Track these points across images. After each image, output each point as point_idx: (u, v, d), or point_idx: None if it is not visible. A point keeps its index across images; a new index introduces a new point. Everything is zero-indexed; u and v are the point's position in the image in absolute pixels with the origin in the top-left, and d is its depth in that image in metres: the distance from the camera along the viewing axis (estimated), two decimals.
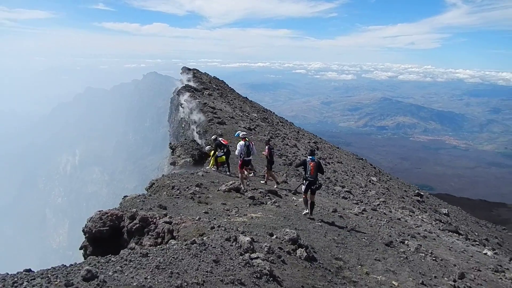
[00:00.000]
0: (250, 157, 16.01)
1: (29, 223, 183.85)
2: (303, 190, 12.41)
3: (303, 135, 47.40)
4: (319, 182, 12.52)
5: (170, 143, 28.12)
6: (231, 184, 14.17)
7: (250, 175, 18.06)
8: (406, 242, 12.28)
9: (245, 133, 16.74)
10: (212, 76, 66.08)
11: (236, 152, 15.71)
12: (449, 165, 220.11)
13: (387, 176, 43.46)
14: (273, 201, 13.34)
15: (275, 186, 16.42)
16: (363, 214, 15.85)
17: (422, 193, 38.09)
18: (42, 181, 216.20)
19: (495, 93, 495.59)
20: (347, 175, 30.85)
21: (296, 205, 13.97)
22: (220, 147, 18.26)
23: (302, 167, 12.53)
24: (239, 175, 15.68)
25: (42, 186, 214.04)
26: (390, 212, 19.18)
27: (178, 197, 12.61)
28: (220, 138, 18.82)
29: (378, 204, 20.54)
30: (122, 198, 12.46)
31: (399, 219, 17.51)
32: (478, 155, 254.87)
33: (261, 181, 17.43)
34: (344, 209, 16.13)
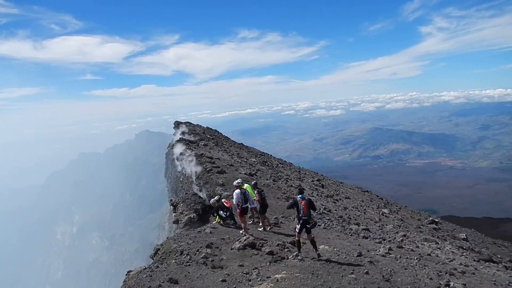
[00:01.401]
0: (248, 204, 15.51)
1: None
2: (297, 230, 12.16)
3: (305, 174, 46.22)
4: (313, 219, 12.34)
5: (171, 200, 26.64)
6: (245, 240, 12.84)
7: (249, 222, 17.27)
8: (451, 284, 10.87)
9: (239, 181, 16.09)
10: (205, 126, 65.59)
11: (234, 201, 15.40)
12: (448, 186, 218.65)
13: (397, 206, 42.03)
14: (294, 254, 11.93)
15: (261, 229, 16.25)
16: (390, 254, 14.45)
17: (436, 220, 36.65)
18: (41, 255, 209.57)
19: (482, 110, 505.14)
20: (359, 211, 29.46)
21: (319, 255, 12.60)
22: (223, 209, 17.45)
23: (294, 207, 12.20)
24: (242, 224, 15.35)
25: (40, 261, 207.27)
26: (417, 247, 17.74)
27: (189, 264, 11.16)
28: (223, 200, 17.76)
29: (402, 240, 19.10)
30: (126, 275, 10.93)
31: (429, 254, 16.08)
32: (475, 173, 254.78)
33: (258, 229, 16.61)
34: (368, 251, 14.74)
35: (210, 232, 15.57)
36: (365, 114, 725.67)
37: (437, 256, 16.20)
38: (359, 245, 15.89)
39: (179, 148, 44.64)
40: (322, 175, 51.13)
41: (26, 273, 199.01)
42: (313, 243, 12.26)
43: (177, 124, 61.08)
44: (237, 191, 15.27)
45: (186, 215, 22.82)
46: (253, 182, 17.11)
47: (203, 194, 29.69)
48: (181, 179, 45.31)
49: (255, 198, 16.10)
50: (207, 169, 32.78)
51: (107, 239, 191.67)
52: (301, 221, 11.96)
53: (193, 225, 20.83)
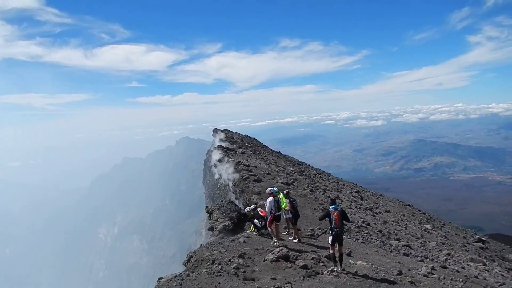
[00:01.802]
0: (281, 212, 15.40)
1: None
2: (330, 242, 11.83)
3: (343, 185, 45.09)
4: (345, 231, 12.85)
5: (207, 207, 26.69)
6: (278, 252, 12.46)
7: (284, 233, 17.27)
8: None
9: (272, 188, 16.14)
10: (244, 134, 65.79)
11: (266, 209, 15.41)
12: (496, 203, 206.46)
13: (440, 222, 40.04)
14: (330, 269, 11.41)
15: (294, 240, 16.03)
16: (433, 274, 13.57)
17: (483, 239, 34.51)
18: (84, 256, 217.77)
19: None
20: (399, 225, 28.22)
21: (356, 271, 12.00)
22: (258, 218, 17.12)
23: (326, 218, 12.10)
24: (270, 231, 15.35)
25: (84, 261, 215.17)
26: (463, 268, 16.60)
27: (220, 275, 10.90)
28: (258, 209, 17.48)
29: (446, 259, 17.98)
30: (157, 281, 10.88)
31: (476, 276, 14.98)
32: None
33: (293, 240, 16.27)
34: (410, 269, 13.93)
35: (244, 242, 15.31)
36: (408, 125, 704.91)
37: (485, 279, 15.07)
38: (399, 262, 15.11)
39: (217, 155, 44.97)
40: (361, 186, 49.76)
41: (70, 271, 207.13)
42: (341, 257, 12.00)
43: (216, 131, 61.69)
44: (270, 198, 15.19)
45: (221, 222, 22.75)
46: (285, 191, 16.74)
47: (239, 202, 29.59)
48: (218, 186, 45.59)
49: (286, 207, 15.72)
50: (244, 177, 32.66)
51: (147, 242, 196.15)
52: (333, 233, 11.70)
53: (227, 233, 20.71)
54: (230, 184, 35.80)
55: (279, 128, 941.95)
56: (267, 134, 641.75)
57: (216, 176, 45.11)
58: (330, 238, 11.79)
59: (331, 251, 11.91)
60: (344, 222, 12.18)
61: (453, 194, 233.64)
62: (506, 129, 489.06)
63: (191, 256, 14.01)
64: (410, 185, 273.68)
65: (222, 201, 28.82)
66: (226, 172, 38.29)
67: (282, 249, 12.65)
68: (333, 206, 12.05)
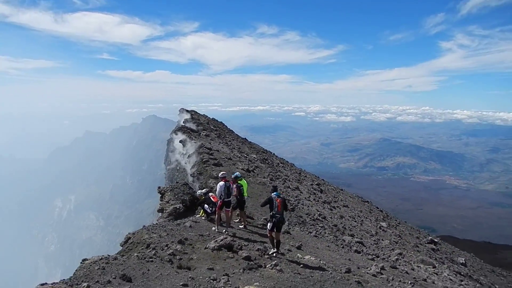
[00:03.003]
0: (230, 198, 14.61)
1: (21, 276, 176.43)
2: (269, 227, 12.05)
3: (305, 176, 44.66)
4: (285, 218, 12.70)
5: (159, 187, 25.28)
6: (221, 240, 11.50)
7: (236, 221, 16.32)
8: None
9: (224, 172, 15.38)
10: (211, 117, 64.21)
11: (216, 193, 14.75)
12: (451, 206, 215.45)
13: (396, 220, 40.50)
14: (273, 263, 10.54)
15: (240, 226, 15.56)
16: (382, 274, 13.08)
17: (436, 240, 35.08)
18: (36, 227, 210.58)
19: (494, 132, 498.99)
20: (355, 221, 27.98)
21: (302, 266, 11.24)
22: (209, 203, 16.08)
23: (268, 205, 12.20)
24: (216, 217, 14.50)
25: (36, 233, 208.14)
26: (412, 270, 16.25)
27: (152, 260, 9.80)
28: (210, 194, 16.41)
29: (397, 259, 17.63)
30: (81, 263, 9.69)
31: (425, 280, 14.64)
32: (480, 195, 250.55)
33: (240, 226, 15.73)
34: (359, 268, 13.38)
35: (190, 226, 14.30)
36: (375, 124, 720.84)
37: (434, 282, 14.77)
38: (349, 259, 14.56)
39: (179, 136, 43.39)
40: (323, 179, 49.64)
41: (22, 242, 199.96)
42: (278, 244, 12.21)
43: (183, 111, 59.76)
44: (221, 183, 14.48)
45: (172, 204, 21.54)
46: (233, 175, 15.77)
47: (196, 185, 28.46)
48: (178, 168, 44.08)
49: (234, 194, 14.93)
50: (204, 160, 31.45)
51: (103, 219, 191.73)
52: (274, 219, 11.83)
53: (178, 217, 19.55)
54: (189, 166, 34.52)
55: (250, 115, 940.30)
56: (237, 120, 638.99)
57: (177, 157, 43.63)
58: (270, 224, 11.93)
59: (269, 235, 12.13)
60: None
61: (411, 194, 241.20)
62: (467, 135, 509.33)
63: (129, 238, 12.84)
64: (372, 182, 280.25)
65: (177, 182, 27.59)
66: (187, 153, 36.97)
67: (225, 237, 11.71)
68: (275, 193, 12.27)
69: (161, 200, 23.52)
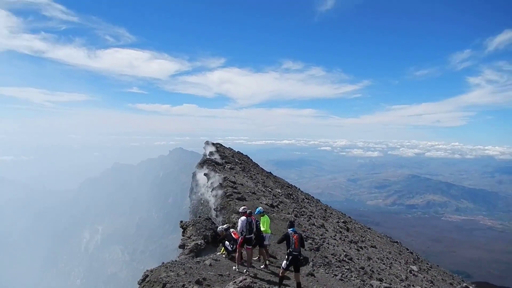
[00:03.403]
0: (252, 235, 13.83)
1: None
2: (284, 266, 11.75)
3: (331, 213, 43.40)
4: (304, 255, 12.76)
5: (181, 221, 24.89)
6: (240, 282, 10.85)
7: (255, 258, 15.51)
8: None
9: (245, 207, 14.63)
10: (236, 150, 64.22)
11: (237, 229, 13.99)
12: (485, 248, 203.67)
13: (427, 264, 38.30)
14: None
15: (261, 266, 14.70)
16: None
17: (470, 287, 32.78)
18: (63, 260, 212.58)
19: None
20: (384, 264, 26.51)
21: None
22: (230, 240, 15.45)
23: (285, 241, 11.79)
24: (237, 255, 13.90)
25: (62, 265, 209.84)
26: None
27: None
28: (232, 230, 15.82)
29: None
30: None
31: None
32: None
33: (261, 266, 14.92)
34: None
35: (210, 265, 13.71)
36: (404, 160, 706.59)
37: None
38: None
39: (203, 169, 43.29)
40: (349, 217, 48.10)
41: (49, 275, 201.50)
42: (299, 286, 11.68)
43: (207, 143, 60.01)
44: (243, 218, 13.74)
45: (193, 240, 21.04)
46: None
47: (218, 220, 27.93)
48: (201, 201, 43.76)
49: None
50: (227, 194, 31.04)
51: (128, 254, 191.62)
52: (291, 257, 11.47)
53: (199, 253, 18.99)
54: (213, 200, 34.11)
55: (276, 149, 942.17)
56: (263, 154, 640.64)
57: (201, 190, 43.38)
58: (285, 262, 11.61)
59: (281, 274, 11.86)
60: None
61: (443, 235, 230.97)
62: (500, 173, 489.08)
63: (147, 276, 12.37)
64: (401, 221, 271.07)
65: (199, 217, 27.13)
66: (211, 186, 36.67)
67: (245, 279, 11.03)
68: (292, 229, 11.90)
69: (183, 235, 23.05)
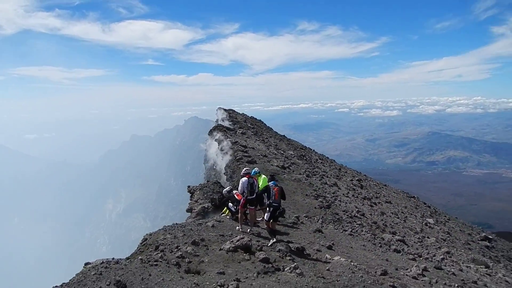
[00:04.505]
0: (254, 196, 13.41)
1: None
2: (266, 217, 12.15)
3: (345, 172, 42.74)
4: (282, 207, 12.63)
5: (189, 186, 24.78)
6: (237, 241, 10.48)
7: (260, 219, 15.01)
8: None
9: (248, 168, 14.29)
10: (249, 116, 63.53)
11: (238, 190, 13.86)
12: (508, 200, 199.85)
13: (445, 216, 37.63)
14: (293, 266, 9.37)
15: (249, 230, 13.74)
16: (424, 276, 11.55)
17: (490, 237, 32.15)
18: (89, 229, 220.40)
19: None
20: (398, 218, 26.05)
21: (328, 269, 10.00)
22: (233, 202, 15.26)
23: (265, 193, 12.55)
24: (239, 216, 13.82)
25: (88, 235, 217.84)
26: (461, 271, 14.41)
27: (157, 264, 8.89)
28: (234, 191, 15.52)
29: (443, 258, 15.82)
30: (83, 266, 9.02)
31: (475, 282, 12.84)
32: None
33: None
34: (397, 269, 11.92)
35: (213, 226, 13.42)
36: (423, 117, 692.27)
37: (485, 285, 12.90)
38: (387, 260, 13.07)
39: (215, 135, 42.98)
40: (365, 175, 47.36)
41: (75, 244, 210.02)
42: (275, 233, 12.25)
43: (219, 110, 59.50)
44: (244, 179, 13.42)
45: (200, 204, 20.94)
46: (270, 174, 14.79)
47: (229, 184, 27.74)
48: (214, 167, 43.70)
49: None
50: (237, 158, 30.70)
51: (150, 221, 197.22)
52: (271, 208, 11.89)
53: (206, 216, 18.84)
54: (224, 164, 33.90)
55: (293, 113, 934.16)
56: (280, 119, 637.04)
57: (213, 156, 43.23)
58: (267, 214, 12.03)
59: (267, 226, 12.15)
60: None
61: (464, 189, 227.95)
62: None
63: (146, 239, 12.17)
64: (421, 178, 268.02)
65: (208, 181, 26.97)
66: (221, 152, 36.43)
67: (242, 237, 10.63)
68: (273, 182, 12.65)
69: (191, 200, 22.98)
